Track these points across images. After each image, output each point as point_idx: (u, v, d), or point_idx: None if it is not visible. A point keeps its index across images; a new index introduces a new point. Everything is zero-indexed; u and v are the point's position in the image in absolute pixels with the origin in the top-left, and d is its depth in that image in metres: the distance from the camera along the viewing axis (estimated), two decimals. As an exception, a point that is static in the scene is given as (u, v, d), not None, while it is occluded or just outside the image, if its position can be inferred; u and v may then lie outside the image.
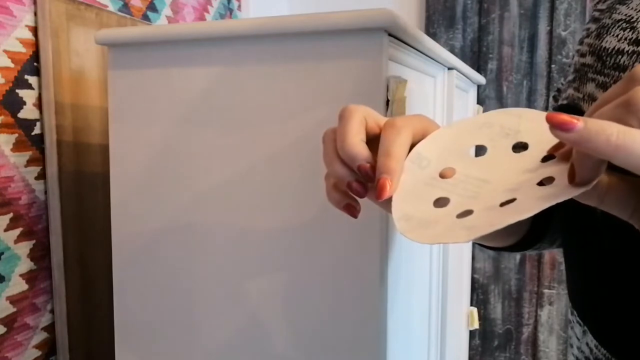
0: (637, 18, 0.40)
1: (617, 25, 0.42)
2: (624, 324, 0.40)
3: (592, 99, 0.43)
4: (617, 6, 0.44)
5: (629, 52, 0.39)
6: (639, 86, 0.27)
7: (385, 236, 0.59)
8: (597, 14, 0.47)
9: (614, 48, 0.41)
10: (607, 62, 0.42)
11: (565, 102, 0.47)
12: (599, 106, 0.30)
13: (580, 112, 0.44)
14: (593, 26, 0.46)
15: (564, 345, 1.52)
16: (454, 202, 0.33)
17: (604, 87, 0.42)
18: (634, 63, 0.39)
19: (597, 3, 0.49)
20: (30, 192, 0.81)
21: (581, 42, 0.48)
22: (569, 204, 0.36)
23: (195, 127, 0.65)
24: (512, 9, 1.48)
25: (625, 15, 0.42)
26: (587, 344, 0.45)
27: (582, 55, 0.46)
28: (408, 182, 0.36)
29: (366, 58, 0.57)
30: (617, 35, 0.42)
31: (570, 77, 0.48)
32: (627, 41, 0.40)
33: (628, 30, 0.41)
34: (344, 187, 0.39)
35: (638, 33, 0.39)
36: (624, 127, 0.26)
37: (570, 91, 0.47)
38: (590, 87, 0.44)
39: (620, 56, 0.40)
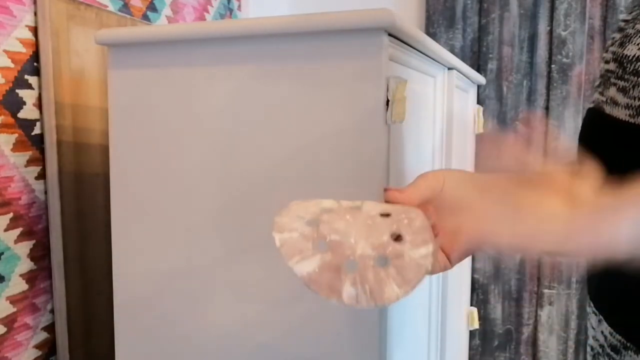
0: None
1: (638, 35, 0.45)
2: (637, 309, 0.44)
3: (613, 102, 0.46)
4: None
5: None
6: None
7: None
8: (622, 24, 0.51)
9: (634, 55, 0.44)
10: (627, 68, 0.45)
11: (592, 105, 0.51)
12: None
13: (603, 115, 0.48)
14: (617, 35, 0.50)
15: (564, 345, 1.52)
16: None
17: (623, 91, 0.45)
18: None
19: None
20: (30, 192, 0.81)
21: (606, 50, 0.51)
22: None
23: (195, 127, 0.65)
24: (512, 9, 1.48)
25: None
26: (602, 332, 0.49)
27: (607, 62, 0.50)
28: None
29: (366, 58, 0.57)
30: (638, 44, 0.44)
31: (596, 83, 0.52)
32: None
33: None
34: None
35: None
36: None
37: (596, 95, 0.50)
38: (612, 91, 0.47)
39: (639, 63, 0.43)
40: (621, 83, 0.46)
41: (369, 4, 1.65)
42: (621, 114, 0.45)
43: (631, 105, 0.44)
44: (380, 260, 0.37)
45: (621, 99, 0.45)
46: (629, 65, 0.45)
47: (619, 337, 0.46)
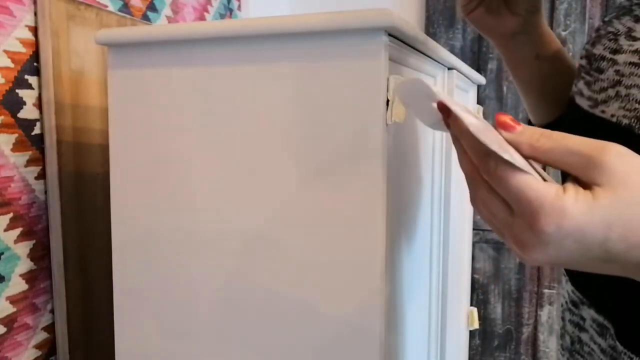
0: (621, 32, 0.50)
1: (606, 36, 0.52)
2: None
3: (580, 93, 0.54)
4: (614, 20, 0.53)
5: (608, 58, 0.50)
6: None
7: (386, 237, 0.59)
8: (601, 24, 0.57)
9: (599, 54, 0.52)
10: (593, 65, 0.52)
11: (571, 95, 0.59)
12: None
13: (574, 104, 0.55)
14: (594, 34, 0.57)
15: (564, 345, 1.51)
16: None
17: (588, 84, 0.53)
18: (609, 68, 0.49)
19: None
20: (30, 192, 0.81)
21: (583, 48, 0.58)
22: None
23: (195, 127, 0.65)
24: (512, 9, 1.48)
25: (615, 28, 0.52)
26: (567, 290, 0.60)
27: (581, 57, 0.57)
28: None
29: (366, 58, 0.57)
30: (604, 44, 0.52)
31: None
32: (609, 50, 0.51)
33: (612, 41, 0.51)
34: None
35: (617, 44, 0.50)
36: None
37: (573, 87, 0.58)
38: (581, 84, 0.54)
39: (602, 61, 0.51)
40: (587, 77, 0.53)
41: (369, 4, 1.65)
42: (584, 104, 0.52)
43: (591, 97, 0.51)
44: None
45: (585, 91, 0.53)
46: (594, 62, 0.52)
47: (578, 294, 0.56)
